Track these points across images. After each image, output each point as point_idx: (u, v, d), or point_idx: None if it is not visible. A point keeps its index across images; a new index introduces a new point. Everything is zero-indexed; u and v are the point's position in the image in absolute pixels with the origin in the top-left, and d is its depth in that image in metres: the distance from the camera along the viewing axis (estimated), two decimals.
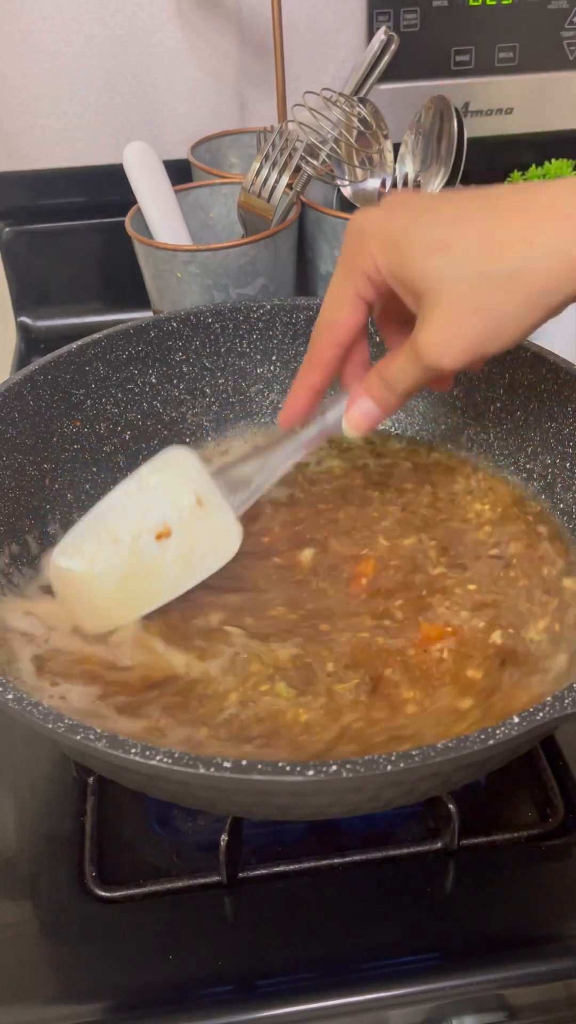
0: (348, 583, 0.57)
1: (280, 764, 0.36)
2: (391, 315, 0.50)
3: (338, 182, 0.79)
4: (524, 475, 0.64)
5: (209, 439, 0.71)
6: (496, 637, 0.53)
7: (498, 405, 0.66)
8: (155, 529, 0.54)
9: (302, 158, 0.72)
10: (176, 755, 0.36)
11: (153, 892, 0.49)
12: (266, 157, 0.73)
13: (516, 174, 0.82)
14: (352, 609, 0.55)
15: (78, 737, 0.37)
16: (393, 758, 0.36)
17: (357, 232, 0.45)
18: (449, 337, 0.43)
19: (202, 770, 0.36)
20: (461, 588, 0.56)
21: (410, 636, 0.53)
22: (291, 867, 0.50)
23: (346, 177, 0.79)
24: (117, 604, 0.55)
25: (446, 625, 0.53)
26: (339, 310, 0.47)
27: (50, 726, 0.38)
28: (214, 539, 0.56)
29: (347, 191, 0.82)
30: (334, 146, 0.74)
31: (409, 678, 0.51)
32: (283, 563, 0.59)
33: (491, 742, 0.37)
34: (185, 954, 0.46)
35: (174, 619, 0.55)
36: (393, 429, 0.71)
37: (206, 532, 0.55)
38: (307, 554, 0.59)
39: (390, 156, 0.82)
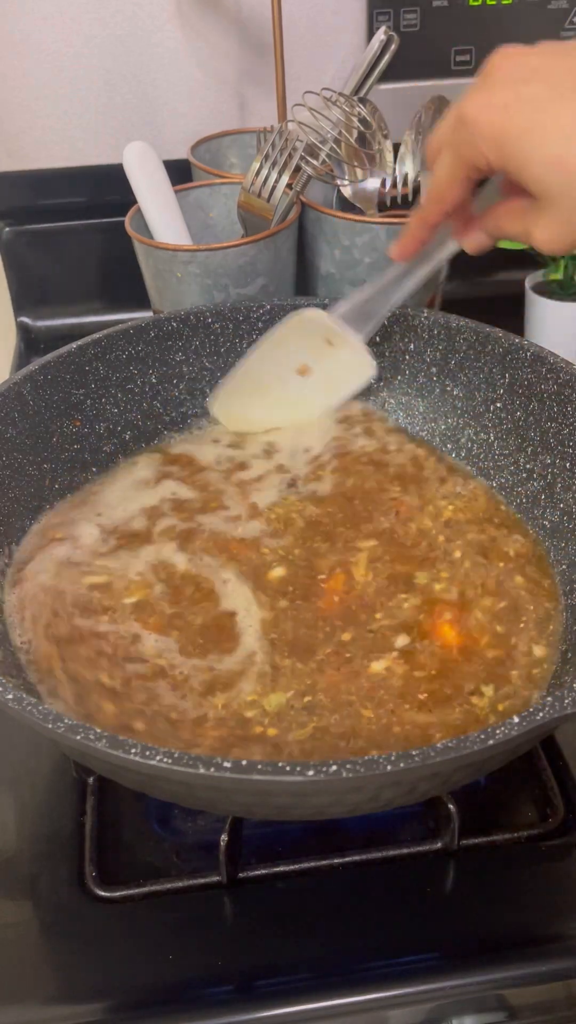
0: (319, 601, 0.57)
1: (280, 764, 0.36)
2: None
3: (338, 182, 0.79)
4: (524, 475, 0.64)
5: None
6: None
7: (498, 405, 0.66)
8: (295, 368, 0.68)
9: (302, 158, 0.72)
10: (176, 755, 0.36)
11: (153, 892, 0.49)
12: (266, 157, 0.73)
13: None
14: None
15: (78, 737, 0.37)
16: (393, 758, 0.36)
17: (468, 125, 0.47)
18: (561, 237, 0.48)
19: (202, 770, 0.36)
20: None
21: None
22: (291, 867, 0.50)
23: (346, 177, 0.79)
24: (275, 419, 0.69)
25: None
26: (449, 189, 0.51)
27: (50, 726, 0.38)
28: (349, 368, 0.68)
29: (347, 191, 0.82)
30: (334, 146, 0.74)
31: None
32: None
33: (491, 742, 0.37)
34: (185, 954, 0.46)
35: None
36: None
37: (341, 364, 0.67)
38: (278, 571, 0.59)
39: (390, 156, 0.82)
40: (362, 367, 0.68)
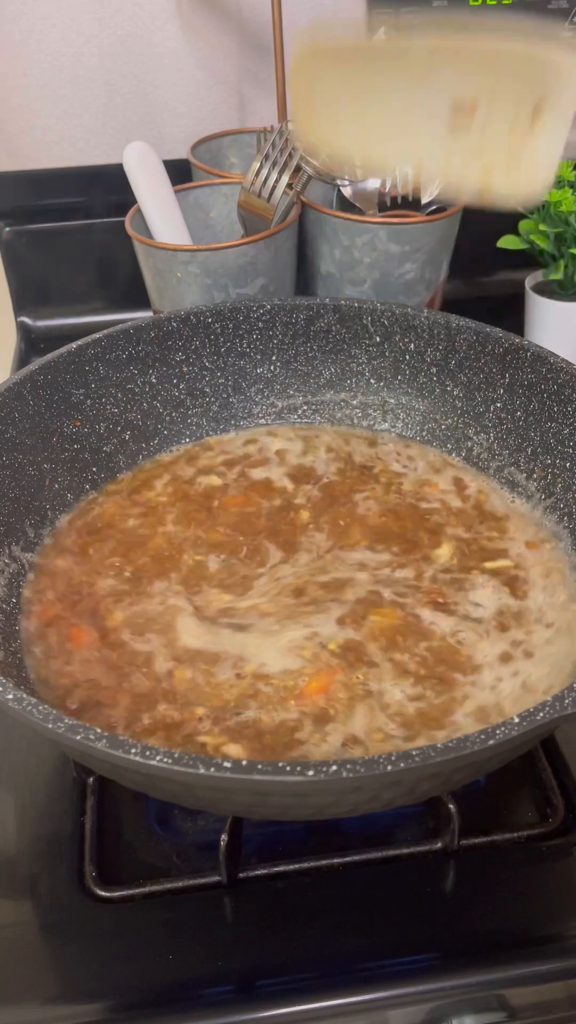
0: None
1: (280, 764, 0.36)
2: None
3: (338, 182, 0.79)
4: (524, 475, 0.64)
5: (209, 439, 0.71)
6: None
7: (498, 405, 0.66)
8: (454, 94, 0.36)
9: (302, 158, 0.72)
10: (176, 755, 0.36)
11: (153, 892, 0.49)
12: (266, 157, 0.73)
13: None
14: None
15: (78, 737, 0.37)
16: (393, 758, 0.36)
17: None
18: None
19: (202, 770, 0.36)
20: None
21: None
22: (291, 867, 0.50)
23: (346, 177, 0.79)
24: (347, 114, 0.39)
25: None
26: None
27: (50, 726, 0.38)
28: (522, 163, 0.36)
29: (347, 191, 0.82)
30: None
31: None
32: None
33: (491, 742, 0.37)
34: (185, 954, 0.46)
35: None
36: (393, 430, 0.71)
37: (518, 148, 0.36)
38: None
39: None
40: (531, 176, 0.37)
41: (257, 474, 0.67)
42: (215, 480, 0.67)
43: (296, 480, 0.67)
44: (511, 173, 0.37)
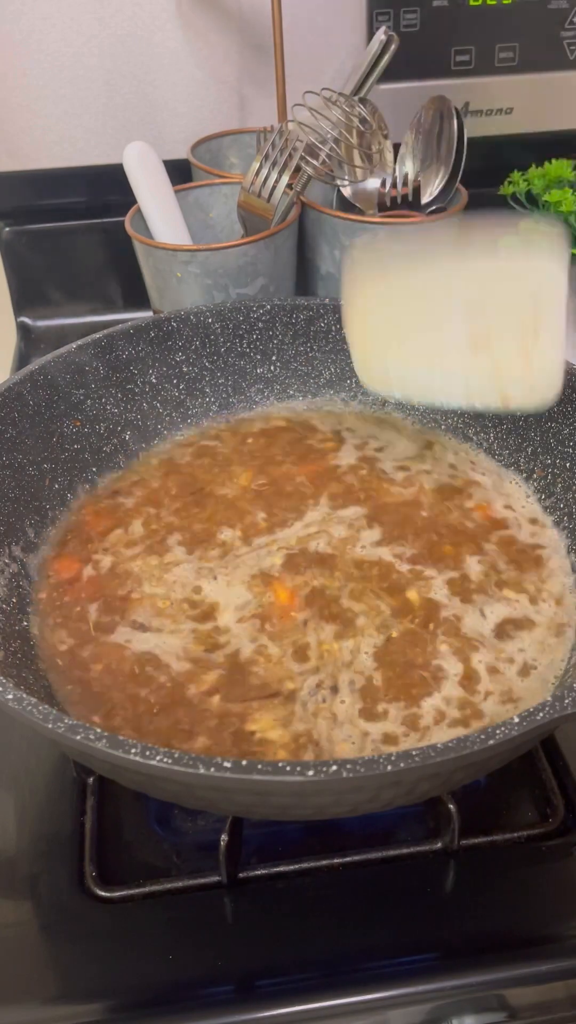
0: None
1: (280, 764, 0.36)
2: None
3: (338, 182, 0.79)
4: (524, 475, 0.64)
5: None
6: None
7: None
8: (470, 326, 0.46)
9: (302, 158, 0.72)
10: (176, 755, 0.36)
11: (153, 892, 0.49)
12: (266, 157, 0.73)
13: (516, 174, 0.82)
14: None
15: (78, 737, 0.37)
16: (393, 758, 0.36)
17: None
18: None
19: (202, 770, 0.36)
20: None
21: None
22: (291, 867, 0.50)
23: (346, 177, 0.79)
24: (391, 358, 0.49)
25: None
26: None
27: (50, 726, 0.38)
28: (532, 374, 0.46)
29: (347, 191, 0.82)
30: (334, 146, 0.74)
31: None
32: None
33: (491, 742, 0.37)
34: (185, 954, 0.46)
35: None
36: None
37: (526, 364, 0.46)
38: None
39: (390, 156, 0.82)
40: (543, 384, 0.47)
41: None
42: (331, 445, 0.68)
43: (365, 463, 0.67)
44: (526, 382, 0.48)
